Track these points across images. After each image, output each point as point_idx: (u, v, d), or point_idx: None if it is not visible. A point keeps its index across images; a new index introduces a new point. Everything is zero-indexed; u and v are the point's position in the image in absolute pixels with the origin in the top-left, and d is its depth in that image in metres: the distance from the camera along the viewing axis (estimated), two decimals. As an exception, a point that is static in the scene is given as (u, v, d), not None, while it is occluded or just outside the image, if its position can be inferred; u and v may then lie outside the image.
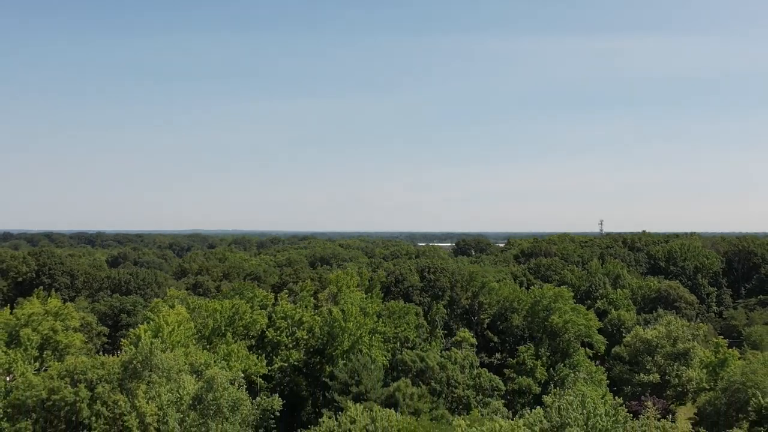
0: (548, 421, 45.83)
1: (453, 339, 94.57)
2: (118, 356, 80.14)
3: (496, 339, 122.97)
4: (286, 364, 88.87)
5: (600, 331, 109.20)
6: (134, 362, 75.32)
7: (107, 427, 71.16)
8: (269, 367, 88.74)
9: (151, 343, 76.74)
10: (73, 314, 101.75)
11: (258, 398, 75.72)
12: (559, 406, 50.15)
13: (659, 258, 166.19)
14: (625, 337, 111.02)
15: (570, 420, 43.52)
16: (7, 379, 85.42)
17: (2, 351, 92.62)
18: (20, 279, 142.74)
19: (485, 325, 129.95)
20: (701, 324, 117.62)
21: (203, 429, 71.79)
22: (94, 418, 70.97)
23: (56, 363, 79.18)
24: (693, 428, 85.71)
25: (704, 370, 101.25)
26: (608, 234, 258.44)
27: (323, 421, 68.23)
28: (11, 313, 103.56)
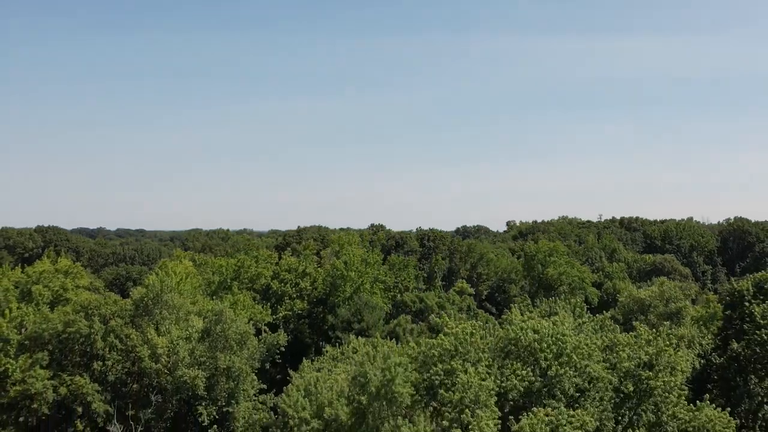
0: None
1: (452, 288, 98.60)
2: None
3: (494, 310, 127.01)
4: (290, 313, 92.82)
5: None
6: (145, 300, 79.54)
7: (120, 357, 75.25)
8: (273, 316, 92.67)
9: (162, 281, 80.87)
10: (83, 273, 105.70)
11: (263, 335, 79.70)
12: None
13: (655, 237, 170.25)
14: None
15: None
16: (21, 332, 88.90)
17: (15, 305, 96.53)
18: (26, 255, 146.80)
19: (484, 297, 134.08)
20: (693, 284, 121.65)
21: (212, 360, 75.61)
22: (107, 350, 75.04)
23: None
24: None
25: (695, 326, 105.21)
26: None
27: (326, 351, 72.13)
28: (22, 272, 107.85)
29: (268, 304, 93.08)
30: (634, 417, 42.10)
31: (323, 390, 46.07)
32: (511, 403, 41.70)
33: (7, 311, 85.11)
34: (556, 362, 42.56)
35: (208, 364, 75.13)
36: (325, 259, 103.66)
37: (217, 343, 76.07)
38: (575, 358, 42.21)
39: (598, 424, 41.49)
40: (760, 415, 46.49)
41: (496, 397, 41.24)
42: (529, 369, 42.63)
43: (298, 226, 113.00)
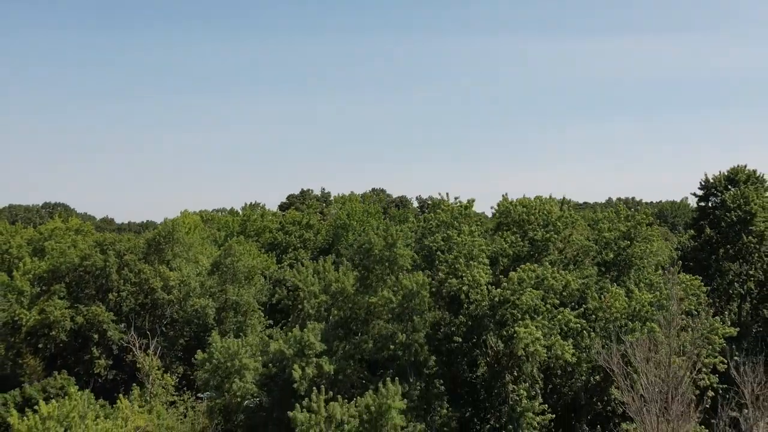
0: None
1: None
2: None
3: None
4: (295, 262, 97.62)
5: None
6: (158, 238, 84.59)
7: (134, 289, 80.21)
8: (278, 265, 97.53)
9: (173, 221, 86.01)
10: (92, 231, 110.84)
11: (270, 270, 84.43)
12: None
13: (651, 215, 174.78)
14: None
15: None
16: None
17: (29, 260, 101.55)
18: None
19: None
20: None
21: (221, 293, 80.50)
22: (122, 282, 79.97)
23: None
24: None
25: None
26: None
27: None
28: (35, 229, 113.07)
29: (274, 254, 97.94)
30: (615, 286, 47.01)
31: (331, 270, 51.09)
32: (501, 267, 46.70)
33: (21, 265, 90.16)
34: (542, 230, 47.61)
35: (217, 295, 79.90)
36: (328, 216, 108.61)
37: (226, 276, 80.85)
38: (560, 225, 47.23)
39: (581, 287, 46.52)
40: (731, 292, 51.29)
41: (488, 260, 46.28)
42: (518, 236, 47.73)
43: (301, 189, 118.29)
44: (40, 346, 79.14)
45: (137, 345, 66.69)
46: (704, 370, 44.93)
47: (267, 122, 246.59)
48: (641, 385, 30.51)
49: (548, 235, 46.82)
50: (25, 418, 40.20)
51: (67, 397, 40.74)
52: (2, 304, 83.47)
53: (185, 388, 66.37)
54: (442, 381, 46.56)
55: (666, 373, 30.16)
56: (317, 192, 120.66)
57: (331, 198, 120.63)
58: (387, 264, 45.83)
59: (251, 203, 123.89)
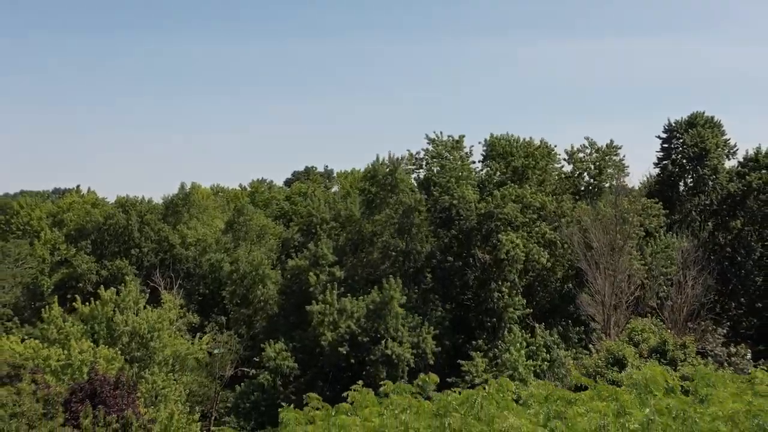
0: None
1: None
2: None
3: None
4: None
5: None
6: (175, 200, 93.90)
7: (155, 246, 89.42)
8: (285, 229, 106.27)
9: (192, 184, 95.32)
10: (108, 204, 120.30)
11: (280, 228, 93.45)
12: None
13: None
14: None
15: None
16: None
17: (49, 230, 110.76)
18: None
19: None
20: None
21: (235, 249, 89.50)
22: (143, 239, 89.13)
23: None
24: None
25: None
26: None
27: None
28: (53, 203, 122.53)
29: (281, 221, 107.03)
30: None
31: (339, 201, 60.43)
32: (488, 192, 56.13)
33: (42, 234, 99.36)
34: (523, 159, 57.07)
35: (231, 251, 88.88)
36: (331, 192, 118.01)
37: (239, 234, 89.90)
38: (538, 155, 56.66)
39: (557, 209, 55.88)
40: (689, 220, 60.42)
41: (478, 187, 55.76)
42: (502, 164, 57.21)
43: (306, 166, 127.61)
44: (68, 296, 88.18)
45: (162, 285, 75.57)
46: (662, 279, 53.99)
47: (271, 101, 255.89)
48: (594, 248, 39.81)
49: (527, 162, 56.24)
50: (87, 303, 49.58)
51: (123, 285, 50.02)
52: (27, 270, 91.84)
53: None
54: (437, 296, 55.74)
55: (612, 236, 39.49)
56: (320, 169, 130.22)
57: (334, 174, 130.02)
58: (389, 188, 55.05)
59: (259, 179, 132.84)
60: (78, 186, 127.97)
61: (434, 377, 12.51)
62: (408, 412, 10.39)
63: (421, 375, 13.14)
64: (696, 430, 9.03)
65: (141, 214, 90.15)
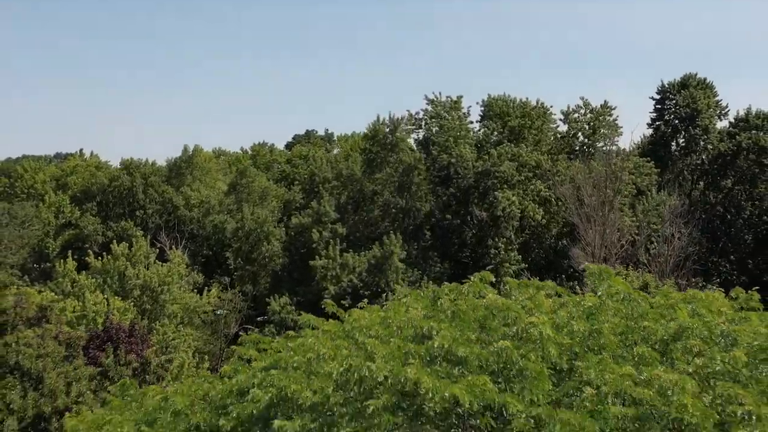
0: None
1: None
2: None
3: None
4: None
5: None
6: (179, 162, 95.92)
7: (159, 207, 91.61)
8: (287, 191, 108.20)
9: (195, 146, 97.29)
10: (111, 167, 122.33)
11: (282, 191, 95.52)
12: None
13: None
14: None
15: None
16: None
17: (53, 193, 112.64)
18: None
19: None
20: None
21: (238, 211, 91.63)
22: (147, 201, 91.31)
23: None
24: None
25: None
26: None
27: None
28: (56, 166, 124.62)
29: (283, 184, 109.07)
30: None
31: (342, 160, 62.47)
32: (485, 152, 58.31)
33: (46, 197, 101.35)
34: (519, 119, 59.36)
35: (234, 213, 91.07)
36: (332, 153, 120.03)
37: (242, 196, 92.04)
38: (534, 115, 58.84)
39: (551, 168, 57.98)
40: (680, 179, 62.72)
41: (476, 146, 57.89)
42: (499, 123, 59.42)
43: (306, 129, 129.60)
44: (75, 257, 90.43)
45: (168, 246, 77.79)
46: (653, 236, 56.29)
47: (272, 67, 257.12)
48: (585, 203, 42.12)
49: (523, 122, 58.39)
50: (99, 258, 51.93)
51: (134, 239, 52.35)
52: (33, 232, 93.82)
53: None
54: (436, 253, 58.03)
55: (603, 191, 41.77)
56: (321, 132, 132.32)
57: (335, 138, 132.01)
58: (389, 147, 57.18)
59: (260, 142, 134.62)
60: (81, 150, 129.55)
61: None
62: (407, 299, 12.68)
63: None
64: (639, 310, 11.28)
65: (145, 176, 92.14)
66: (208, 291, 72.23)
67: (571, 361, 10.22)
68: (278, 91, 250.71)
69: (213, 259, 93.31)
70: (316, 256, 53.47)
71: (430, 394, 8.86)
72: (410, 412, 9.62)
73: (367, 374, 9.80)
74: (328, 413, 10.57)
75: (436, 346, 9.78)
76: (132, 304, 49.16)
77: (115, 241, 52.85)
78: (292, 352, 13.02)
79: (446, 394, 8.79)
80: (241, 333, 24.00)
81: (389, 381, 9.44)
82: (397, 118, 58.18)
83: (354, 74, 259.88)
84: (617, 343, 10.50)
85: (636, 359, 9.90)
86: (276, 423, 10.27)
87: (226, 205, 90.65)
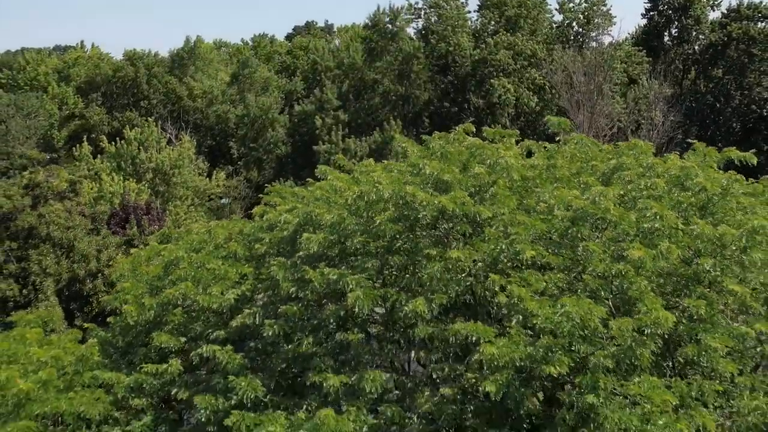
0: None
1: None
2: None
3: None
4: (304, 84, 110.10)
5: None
6: (181, 53, 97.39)
7: (163, 98, 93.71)
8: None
9: (197, 37, 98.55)
10: (113, 59, 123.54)
11: (283, 81, 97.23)
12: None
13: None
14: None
15: None
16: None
17: (56, 85, 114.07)
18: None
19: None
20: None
21: (241, 101, 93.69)
22: (151, 91, 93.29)
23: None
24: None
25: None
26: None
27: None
28: (59, 58, 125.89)
29: (284, 75, 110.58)
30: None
31: (343, 50, 64.29)
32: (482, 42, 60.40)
33: (50, 89, 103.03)
34: (516, 8, 61.35)
35: (237, 103, 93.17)
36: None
37: (244, 86, 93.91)
38: (529, 4, 60.85)
39: (545, 55, 60.09)
40: (672, 68, 65.00)
41: (473, 35, 59.91)
42: (496, 13, 61.43)
43: (306, 21, 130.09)
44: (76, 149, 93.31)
45: (173, 134, 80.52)
46: (642, 122, 58.94)
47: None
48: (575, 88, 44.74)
49: (520, 12, 60.26)
50: (113, 143, 54.86)
51: (146, 125, 55.18)
52: (40, 123, 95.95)
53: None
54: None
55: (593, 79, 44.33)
56: (321, 24, 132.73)
57: (335, 29, 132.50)
58: (390, 36, 59.20)
59: (260, 33, 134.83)
60: (82, 42, 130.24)
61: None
62: (405, 145, 15.80)
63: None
64: (590, 153, 14.41)
65: (149, 67, 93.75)
66: (216, 175, 75.40)
67: (533, 188, 13.36)
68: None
69: (216, 149, 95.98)
70: (320, 142, 56.24)
71: (424, 203, 11.96)
72: (408, 223, 12.77)
73: (374, 196, 12.92)
74: (343, 230, 13.76)
75: (427, 173, 12.87)
76: (146, 186, 52.31)
77: (128, 126, 55.41)
78: (313, 190, 16.19)
79: (435, 202, 11.90)
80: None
81: (393, 198, 12.55)
82: (397, 8, 60.07)
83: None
84: (569, 176, 13.63)
85: (582, 186, 13.04)
86: (304, 235, 13.47)
87: (229, 95, 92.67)
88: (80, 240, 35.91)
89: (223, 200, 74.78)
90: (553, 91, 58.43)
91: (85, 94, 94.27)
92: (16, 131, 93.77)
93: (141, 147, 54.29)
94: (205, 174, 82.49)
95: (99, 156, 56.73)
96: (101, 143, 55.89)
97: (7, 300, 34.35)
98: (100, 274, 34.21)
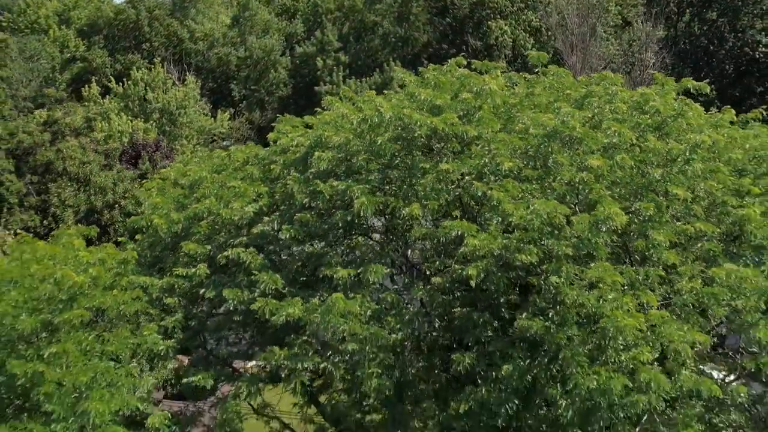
0: None
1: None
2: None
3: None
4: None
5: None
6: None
7: (165, 41, 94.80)
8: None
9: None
10: (112, 1, 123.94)
11: (284, 24, 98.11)
12: None
13: None
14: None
15: None
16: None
17: (57, 27, 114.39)
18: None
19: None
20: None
21: (243, 43, 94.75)
22: (153, 34, 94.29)
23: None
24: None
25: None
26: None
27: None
28: (59, 1, 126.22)
29: (283, 17, 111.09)
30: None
31: None
32: None
33: (51, 32, 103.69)
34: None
35: (237, 46, 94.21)
36: None
37: (245, 29, 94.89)
38: None
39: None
40: (667, 11, 66.39)
41: None
42: None
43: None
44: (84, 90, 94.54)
45: (177, 76, 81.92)
46: (636, 64, 60.57)
47: None
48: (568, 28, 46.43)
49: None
50: (120, 84, 56.61)
51: (153, 67, 56.88)
52: (42, 65, 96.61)
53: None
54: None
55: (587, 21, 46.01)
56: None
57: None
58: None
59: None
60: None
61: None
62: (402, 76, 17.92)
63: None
64: (566, 83, 16.52)
65: (150, 10, 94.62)
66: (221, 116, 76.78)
67: (515, 114, 15.52)
68: None
69: (218, 91, 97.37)
70: (321, 83, 57.98)
71: (419, 123, 14.11)
72: (405, 143, 14.94)
73: (376, 119, 15.06)
74: (349, 150, 15.92)
75: (422, 99, 15.00)
76: (153, 125, 54.23)
77: (134, 67, 57.10)
78: (321, 117, 18.33)
79: (429, 122, 14.05)
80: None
81: (392, 120, 14.69)
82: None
83: None
84: (546, 103, 15.77)
85: (555, 111, 15.18)
86: (315, 154, 15.63)
87: (230, 38, 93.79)
88: (96, 174, 38.09)
89: (225, 142, 76.50)
90: (549, 33, 60.00)
91: (87, 37, 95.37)
92: (20, 73, 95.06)
93: (148, 88, 56.05)
94: (210, 115, 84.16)
95: (107, 96, 58.51)
96: (109, 84, 57.52)
97: (29, 230, 36.61)
98: (117, 205, 36.47)
